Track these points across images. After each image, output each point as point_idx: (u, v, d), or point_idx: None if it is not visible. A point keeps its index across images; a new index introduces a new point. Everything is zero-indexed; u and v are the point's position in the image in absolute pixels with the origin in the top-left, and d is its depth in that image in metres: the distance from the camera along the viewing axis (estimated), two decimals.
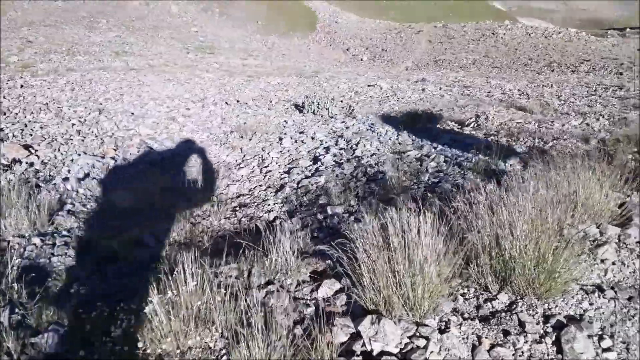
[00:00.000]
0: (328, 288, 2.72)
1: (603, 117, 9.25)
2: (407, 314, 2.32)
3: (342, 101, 11.93)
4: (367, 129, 8.07)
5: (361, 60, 39.03)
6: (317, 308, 2.53)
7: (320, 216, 4.63)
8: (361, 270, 2.38)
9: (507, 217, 2.52)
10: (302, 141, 7.68)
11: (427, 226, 2.36)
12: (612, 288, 2.63)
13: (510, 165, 4.81)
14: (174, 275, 2.42)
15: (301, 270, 2.90)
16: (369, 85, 16.19)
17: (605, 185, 3.17)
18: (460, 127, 8.60)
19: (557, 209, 2.54)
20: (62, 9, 33.64)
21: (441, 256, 2.37)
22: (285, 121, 9.33)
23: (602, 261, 2.86)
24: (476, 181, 3.85)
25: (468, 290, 2.62)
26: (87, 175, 6.34)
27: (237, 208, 5.51)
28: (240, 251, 3.06)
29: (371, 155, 6.31)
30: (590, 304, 2.50)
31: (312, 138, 7.78)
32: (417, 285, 2.28)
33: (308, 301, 2.65)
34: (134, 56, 25.73)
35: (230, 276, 2.97)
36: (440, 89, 16.68)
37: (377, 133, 7.62)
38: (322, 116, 9.76)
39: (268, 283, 2.85)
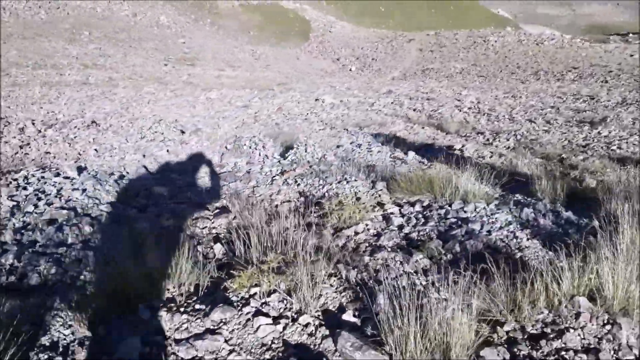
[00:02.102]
0: None
1: (516, 136, 8.26)
2: None
3: (244, 120, 10.93)
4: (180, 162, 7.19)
5: (350, 70, 38.28)
6: None
7: None
8: None
9: None
10: None
11: None
12: None
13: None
14: None
15: None
16: (315, 100, 15.38)
17: None
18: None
19: None
20: (43, 21, 33.74)
21: None
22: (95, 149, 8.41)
23: None
24: None
25: None
26: None
27: None
28: None
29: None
30: None
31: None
32: None
33: None
34: (104, 69, 25.49)
35: None
36: (392, 103, 15.77)
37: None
38: (153, 140, 8.90)
39: None
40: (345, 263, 2.38)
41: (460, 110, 13.98)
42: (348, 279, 2.43)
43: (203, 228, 3.65)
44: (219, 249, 2.64)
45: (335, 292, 2.35)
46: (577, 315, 1.94)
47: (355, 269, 2.51)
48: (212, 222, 3.66)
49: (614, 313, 1.92)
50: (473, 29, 41.46)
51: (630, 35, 45.41)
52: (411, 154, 6.49)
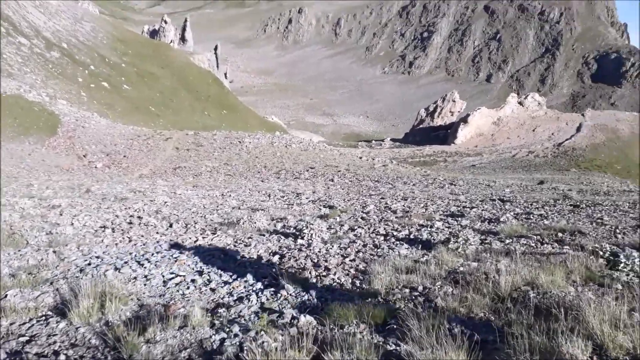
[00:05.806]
0: None
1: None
2: None
3: None
4: None
5: (95, 167, 34.11)
6: None
7: None
8: None
9: None
10: None
11: None
12: None
13: None
14: None
15: None
16: None
17: None
18: None
19: None
20: None
21: None
22: None
23: None
24: None
25: None
26: None
27: None
28: None
29: None
30: None
31: None
32: None
33: None
34: None
35: None
36: (56, 207, 12.49)
37: None
38: None
39: None
40: None
41: (129, 214, 11.38)
42: None
43: None
44: None
45: None
46: None
47: None
48: None
49: None
50: (232, 130, 41.85)
51: (373, 141, 51.54)
52: None
